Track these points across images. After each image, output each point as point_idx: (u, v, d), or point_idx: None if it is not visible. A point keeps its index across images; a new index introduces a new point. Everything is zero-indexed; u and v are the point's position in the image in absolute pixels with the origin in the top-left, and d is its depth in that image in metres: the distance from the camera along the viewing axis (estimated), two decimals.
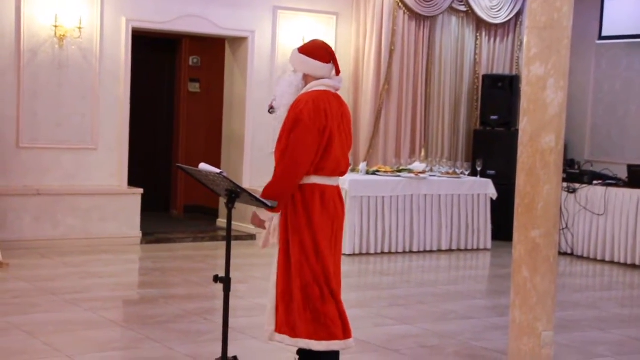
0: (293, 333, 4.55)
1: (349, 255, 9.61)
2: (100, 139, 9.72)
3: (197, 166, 4.36)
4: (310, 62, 4.62)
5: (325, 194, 4.58)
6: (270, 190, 4.46)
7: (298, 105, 4.48)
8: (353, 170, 10.32)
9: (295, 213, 4.54)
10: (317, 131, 4.46)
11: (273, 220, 4.63)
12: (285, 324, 4.56)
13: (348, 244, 9.61)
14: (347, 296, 7.47)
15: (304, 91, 4.58)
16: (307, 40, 10.67)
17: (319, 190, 4.56)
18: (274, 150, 4.63)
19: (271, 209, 4.49)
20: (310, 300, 4.52)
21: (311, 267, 4.53)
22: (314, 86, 4.60)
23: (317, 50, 4.66)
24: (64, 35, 9.35)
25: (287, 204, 4.54)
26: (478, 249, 10.61)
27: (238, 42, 10.83)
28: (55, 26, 9.30)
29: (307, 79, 4.64)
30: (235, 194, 4.32)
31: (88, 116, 9.63)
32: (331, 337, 4.54)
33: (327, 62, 4.66)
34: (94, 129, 9.67)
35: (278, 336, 4.59)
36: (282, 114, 4.56)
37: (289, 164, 4.43)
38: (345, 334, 4.59)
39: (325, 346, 4.53)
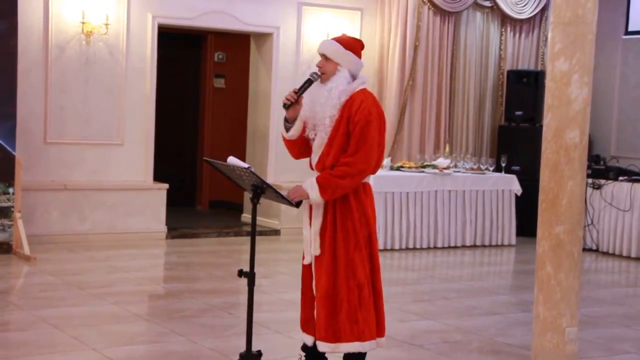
0: (335, 338, 4.51)
1: None
2: (126, 134, 9.77)
3: (223, 160, 4.37)
4: (356, 61, 4.59)
5: (369, 190, 4.62)
6: (334, 185, 4.39)
7: (362, 106, 4.44)
8: None
9: (349, 209, 4.50)
10: (380, 131, 4.51)
11: (312, 227, 4.57)
12: (326, 330, 4.51)
13: None
14: None
15: (351, 90, 4.53)
16: (331, 36, 10.77)
17: (368, 188, 4.62)
18: (321, 149, 4.56)
19: (297, 207, 4.49)
20: (362, 301, 4.51)
21: (364, 266, 4.52)
22: (360, 85, 4.58)
23: (358, 47, 4.65)
24: (90, 32, 9.40)
25: (331, 203, 4.50)
26: (502, 245, 10.58)
27: (263, 38, 10.85)
28: (83, 22, 9.36)
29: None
30: (261, 189, 4.33)
31: (114, 112, 9.68)
32: (373, 336, 4.55)
33: (361, 59, 4.66)
34: (120, 125, 9.72)
35: (321, 345, 4.54)
36: (333, 113, 4.49)
37: (363, 164, 4.41)
38: (382, 332, 4.65)
39: (368, 346, 4.54)
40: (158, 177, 10.07)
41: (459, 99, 11.71)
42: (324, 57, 4.57)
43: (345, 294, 4.48)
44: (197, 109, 12.73)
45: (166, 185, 9.90)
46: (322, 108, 4.50)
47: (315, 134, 4.57)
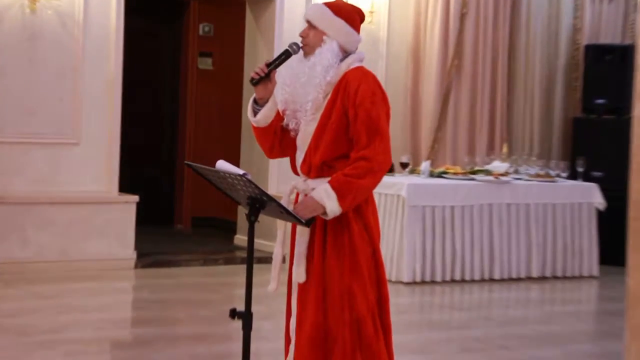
0: None
1: (407, 283, 9.57)
2: (84, 131, 9.77)
3: (211, 165, 4.34)
4: (349, 31, 4.63)
5: (372, 198, 4.64)
6: (355, 188, 4.40)
7: (362, 86, 4.47)
8: (413, 172, 10.28)
9: (345, 221, 4.50)
10: (388, 115, 4.59)
11: (297, 246, 4.58)
12: None
13: (406, 269, 9.56)
14: (405, 338, 7.44)
15: (342, 67, 4.56)
16: (352, 3, 10.79)
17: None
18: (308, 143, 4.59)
19: (307, 226, 4.46)
20: (363, 339, 4.50)
21: (366, 295, 4.50)
22: (355, 62, 4.61)
23: (355, 16, 4.68)
24: None
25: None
26: (581, 277, 10.54)
27: (262, 4, 10.84)
28: None
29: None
30: (260, 203, 4.30)
31: (68, 101, 9.68)
32: None
33: (359, 32, 4.68)
34: (75, 118, 9.72)
35: None
36: (315, 96, 4.53)
37: (383, 155, 4.46)
38: None
39: None
40: (125, 187, 10.07)
41: (520, 84, 11.69)
42: (309, 24, 4.62)
43: (339, 330, 4.47)
44: (176, 98, 12.74)
45: (136, 198, 9.89)
46: (304, 89, 4.54)
47: (297, 123, 4.61)
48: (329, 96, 4.54)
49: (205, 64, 12.79)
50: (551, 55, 11.91)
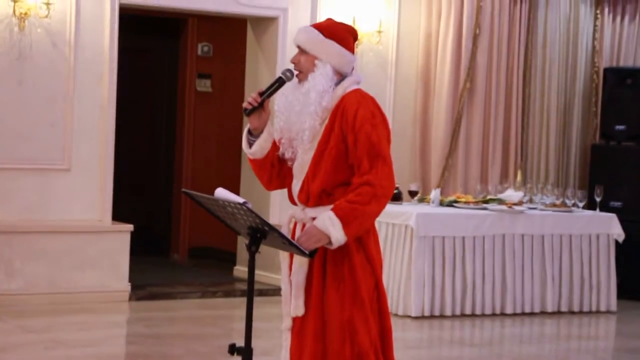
0: None
1: (416, 318, 9.56)
2: (75, 156, 9.78)
3: (209, 193, 4.37)
4: (342, 52, 4.66)
5: (374, 227, 4.66)
6: (360, 215, 4.42)
7: (360, 109, 4.51)
8: (422, 200, 10.29)
9: (346, 251, 4.52)
10: (389, 138, 4.60)
11: (294, 277, 4.60)
12: None
13: (414, 303, 9.56)
14: None
15: (339, 92, 4.59)
16: (358, 23, 10.86)
17: None
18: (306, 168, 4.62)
19: (310, 257, 4.48)
20: None
21: (369, 329, 4.52)
22: (352, 84, 4.65)
23: (346, 35, 4.71)
24: (25, 14, 9.44)
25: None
26: (599, 312, 10.51)
27: (265, 23, 10.88)
28: (14, 0, 9.41)
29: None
30: (261, 233, 4.33)
31: (59, 125, 9.70)
32: None
33: (353, 52, 4.71)
34: (66, 143, 9.74)
35: None
36: (311, 124, 4.56)
37: (387, 181, 4.48)
38: None
39: None
40: (119, 215, 10.08)
41: (535, 109, 11.70)
42: (300, 49, 4.66)
43: None
44: (173, 122, 12.76)
45: (130, 227, 9.90)
46: (298, 117, 4.57)
47: (294, 152, 4.64)
48: (326, 122, 4.56)
49: (204, 86, 12.81)
50: (568, 78, 11.92)
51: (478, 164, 11.34)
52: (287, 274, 4.68)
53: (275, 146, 4.68)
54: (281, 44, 10.70)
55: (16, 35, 9.48)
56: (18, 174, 9.57)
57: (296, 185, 4.67)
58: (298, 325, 4.62)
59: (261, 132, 4.66)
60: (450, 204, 10.20)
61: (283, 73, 4.65)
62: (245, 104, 4.61)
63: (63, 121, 9.72)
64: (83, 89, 9.78)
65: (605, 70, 11.85)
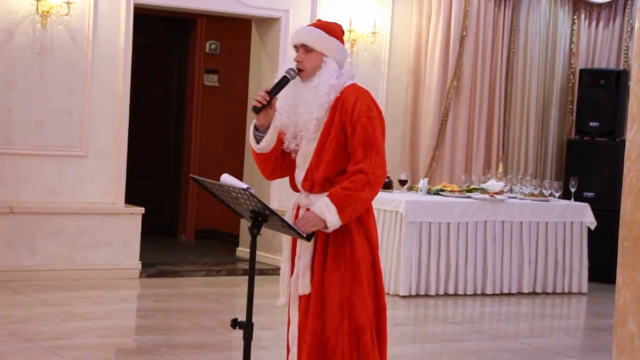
0: None
1: (404, 297, 9.57)
2: (92, 143, 9.78)
3: (215, 179, 4.37)
4: (342, 48, 4.72)
5: (372, 209, 4.67)
6: (354, 200, 4.43)
7: (358, 102, 4.53)
8: (411, 189, 10.29)
9: (347, 231, 4.53)
10: (383, 131, 4.61)
11: (302, 258, 4.60)
12: None
13: (403, 283, 9.57)
14: (401, 350, 7.45)
15: (340, 85, 4.62)
16: (354, 24, 10.85)
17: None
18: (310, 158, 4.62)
19: (308, 240, 4.48)
20: (361, 350, 4.51)
21: (365, 305, 4.52)
22: (348, 79, 4.68)
23: (340, 32, 4.77)
24: (47, 12, 9.43)
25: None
26: (570, 293, 10.53)
27: (268, 23, 10.87)
28: (37, 0, 9.40)
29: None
30: (263, 216, 4.32)
31: (77, 115, 9.70)
32: None
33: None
34: (83, 131, 9.73)
35: None
36: (320, 115, 4.57)
37: (380, 169, 4.49)
38: None
39: None
40: (131, 198, 10.08)
41: (516, 105, 11.69)
42: (304, 48, 4.65)
43: (337, 340, 4.47)
44: (182, 113, 12.74)
45: (141, 210, 9.90)
46: (308, 108, 4.57)
47: (298, 145, 4.63)
48: (327, 114, 4.57)
49: (211, 80, 12.80)
50: (547, 78, 11.92)
51: (463, 155, 11.34)
52: (288, 256, 4.68)
53: (280, 140, 4.66)
54: (283, 42, 10.69)
55: (39, 31, 9.46)
56: (38, 159, 9.57)
57: (300, 175, 4.67)
58: (304, 302, 4.60)
59: (267, 127, 4.65)
60: (437, 193, 10.20)
61: (287, 72, 4.63)
62: (254, 103, 4.59)
63: (81, 111, 9.72)
64: (100, 82, 9.77)
65: (581, 71, 11.83)
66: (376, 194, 4.51)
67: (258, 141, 4.68)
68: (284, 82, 4.62)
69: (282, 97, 4.63)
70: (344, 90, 4.59)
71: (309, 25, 4.77)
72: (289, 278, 4.66)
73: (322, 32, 4.66)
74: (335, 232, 4.51)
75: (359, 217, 4.55)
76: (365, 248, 4.57)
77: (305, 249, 4.58)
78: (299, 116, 4.59)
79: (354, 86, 4.62)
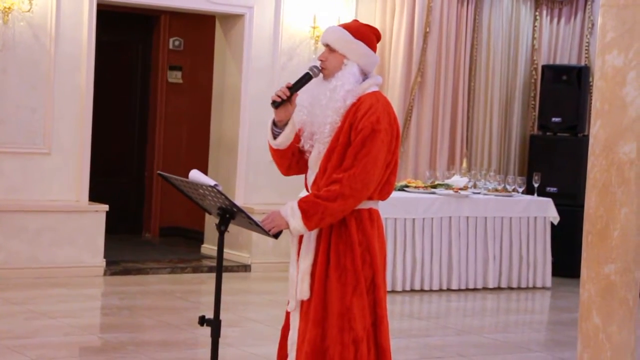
0: None
1: None
2: (55, 140, 9.73)
3: (179, 175, 4.35)
4: (368, 53, 4.59)
5: (375, 218, 4.60)
6: (321, 210, 4.37)
7: (370, 111, 4.43)
8: None
9: (349, 242, 4.49)
10: (390, 147, 4.48)
11: (301, 264, 4.56)
12: None
13: None
14: None
15: (360, 91, 4.52)
16: (319, 21, 10.86)
17: (375, 216, 4.59)
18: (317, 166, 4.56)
19: (275, 237, 4.46)
20: None
21: (364, 317, 4.50)
22: (372, 86, 4.57)
23: (372, 37, 4.64)
24: (9, 8, 9.37)
25: (326, 233, 4.50)
26: (535, 288, 10.59)
27: (232, 20, 10.85)
28: None
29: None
30: (230, 213, 4.32)
31: (40, 112, 9.64)
32: None
33: (376, 52, 4.66)
34: (46, 128, 9.68)
35: None
36: (334, 119, 4.48)
37: (359, 183, 4.38)
38: None
39: None
40: (95, 196, 10.03)
41: (480, 101, 11.74)
42: (328, 47, 4.56)
43: (337, 350, 4.45)
44: (145, 110, 12.70)
45: (105, 207, 9.86)
46: (323, 111, 4.49)
47: (312, 145, 4.55)
48: (341, 119, 4.48)
49: (175, 77, 12.77)
50: (510, 74, 11.98)
51: (427, 151, 11.37)
52: (295, 260, 4.60)
53: (297, 137, 4.57)
54: (247, 39, 10.67)
55: (0, 28, 9.40)
56: (1, 156, 9.51)
57: (310, 176, 4.59)
58: (305, 308, 4.56)
59: (285, 124, 4.56)
60: (401, 189, 10.21)
61: (310, 69, 4.54)
62: (274, 97, 4.49)
63: (44, 108, 9.67)
64: (63, 78, 9.73)
65: (543, 67, 11.90)
66: (351, 206, 4.41)
67: (275, 137, 4.60)
68: (306, 78, 4.52)
69: (303, 93, 4.54)
70: (362, 96, 4.49)
71: (340, 25, 4.66)
72: (295, 283, 4.58)
73: (346, 34, 4.55)
74: (337, 242, 4.47)
75: (362, 227, 4.50)
76: (366, 260, 4.50)
77: (305, 254, 4.53)
78: (315, 117, 4.51)
79: (374, 94, 4.52)
